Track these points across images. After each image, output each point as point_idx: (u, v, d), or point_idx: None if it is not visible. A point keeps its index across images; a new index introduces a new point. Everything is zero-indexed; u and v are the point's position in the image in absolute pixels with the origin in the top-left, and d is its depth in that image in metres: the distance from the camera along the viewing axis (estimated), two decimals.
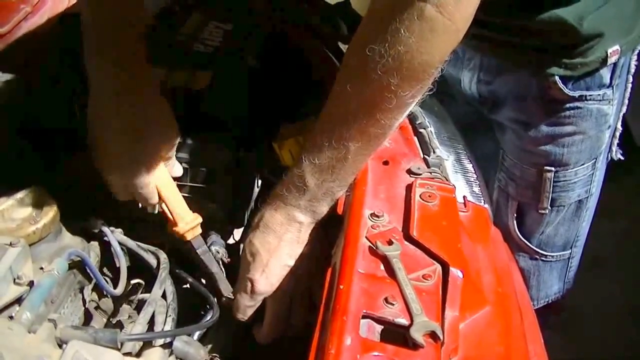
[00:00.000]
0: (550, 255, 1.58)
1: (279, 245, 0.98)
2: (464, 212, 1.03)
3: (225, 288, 1.08)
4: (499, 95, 1.44)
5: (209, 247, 1.15)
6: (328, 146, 0.92)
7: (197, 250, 1.09)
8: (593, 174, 1.47)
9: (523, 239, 1.55)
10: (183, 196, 1.26)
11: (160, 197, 1.07)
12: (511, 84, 1.40)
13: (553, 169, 1.43)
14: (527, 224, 1.54)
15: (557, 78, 1.30)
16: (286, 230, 0.98)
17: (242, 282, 1.00)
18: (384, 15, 0.83)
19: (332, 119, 0.92)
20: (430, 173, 1.04)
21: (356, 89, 0.88)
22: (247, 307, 1.00)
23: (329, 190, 0.96)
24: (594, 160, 1.45)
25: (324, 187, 0.95)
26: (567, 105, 1.35)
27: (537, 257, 1.58)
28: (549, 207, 1.48)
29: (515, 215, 1.53)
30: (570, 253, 1.60)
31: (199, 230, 1.10)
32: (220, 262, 1.14)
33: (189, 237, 1.08)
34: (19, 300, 0.86)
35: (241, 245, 1.04)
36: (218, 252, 1.16)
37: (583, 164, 1.44)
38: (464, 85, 1.49)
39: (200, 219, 1.10)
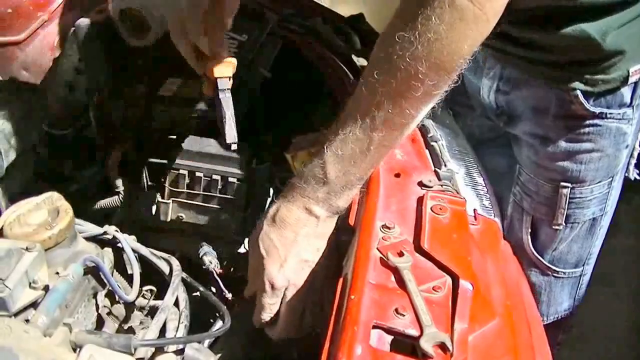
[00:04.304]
0: (562, 272, 1.56)
1: (295, 240, 0.97)
2: (474, 225, 1.03)
3: (230, 134, 1.08)
4: (517, 107, 1.43)
5: (201, 257, 1.16)
6: (352, 137, 0.93)
7: (219, 90, 1.08)
8: (609, 192, 1.46)
9: (536, 254, 1.54)
10: (194, 205, 1.27)
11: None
12: (530, 97, 1.39)
13: (569, 185, 1.41)
14: (540, 240, 1.53)
15: (579, 92, 1.29)
16: (303, 225, 0.97)
17: (258, 283, 0.99)
18: (416, 4, 0.85)
19: (357, 109, 0.93)
20: (442, 186, 1.04)
21: (383, 77, 0.89)
22: (270, 305, 0.99)
23: (348, 183, 0.96)
24: (611, 178, 1.44)
25: (344, 179, 0.95)
26: (587, 122, 1.34)
27: (549, 273, 1.56)
28: (564, 224, 1.46)
29: (529, 230, 1.53)
30: (582, 270, 1.59)
31: (230, 72, 1.09)
32: (214, 273, 1.15)
33: (216, 73, 1.07)
34: (34, 304, 0.87)
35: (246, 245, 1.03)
36: (211, 263, 1.16)
37: (599, 182, 1.43)
38: (483, 93, 1.48)
39: (235, 62, 1.09)
